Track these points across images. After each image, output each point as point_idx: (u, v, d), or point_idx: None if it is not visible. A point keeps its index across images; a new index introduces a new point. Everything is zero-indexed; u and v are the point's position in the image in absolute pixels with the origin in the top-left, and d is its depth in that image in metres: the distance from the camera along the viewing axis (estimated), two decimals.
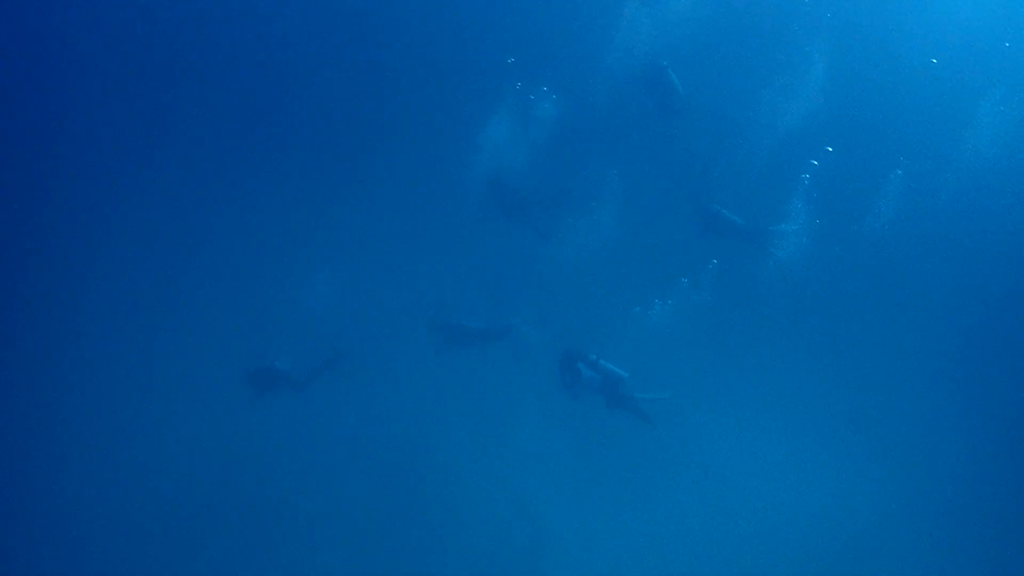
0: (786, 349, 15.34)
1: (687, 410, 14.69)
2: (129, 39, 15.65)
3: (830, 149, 15.64)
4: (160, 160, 15.67)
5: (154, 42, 15.77)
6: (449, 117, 16.18)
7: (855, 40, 16.16)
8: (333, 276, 15.22)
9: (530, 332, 14.70)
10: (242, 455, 14.64)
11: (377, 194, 16.03)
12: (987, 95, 15.88)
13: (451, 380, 15.21)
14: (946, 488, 14.40)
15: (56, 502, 14.15)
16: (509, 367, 15.02)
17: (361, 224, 15.91)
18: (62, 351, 15.18)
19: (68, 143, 15.73)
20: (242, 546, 14.15)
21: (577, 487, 14.76)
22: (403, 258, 15.85)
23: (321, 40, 16.27)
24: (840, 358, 15.42)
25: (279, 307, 15.31)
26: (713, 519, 14.52)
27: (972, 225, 15.73)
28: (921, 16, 16.23)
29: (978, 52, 16.01)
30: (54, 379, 15.05)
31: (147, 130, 15.67)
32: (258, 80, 16.14)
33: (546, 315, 15.15)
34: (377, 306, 15.62)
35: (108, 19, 15.57)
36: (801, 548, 14.11)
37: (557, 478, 14.85)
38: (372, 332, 15.48)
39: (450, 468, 14.90)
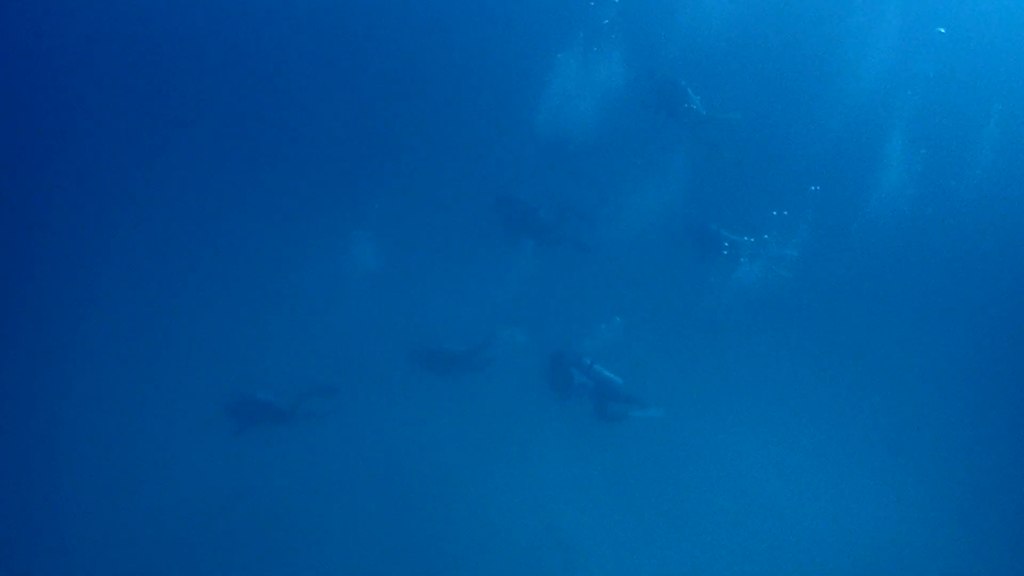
0: (790, 356, 14.89)
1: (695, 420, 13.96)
2: (127, 39, 15.47)
3: (942, 30, 14.98)
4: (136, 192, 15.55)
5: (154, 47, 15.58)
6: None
7: None
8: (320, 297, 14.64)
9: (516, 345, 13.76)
10: (233, 489, 13.85)
11: (366, 210, 15.44)
12: None
13: (445, 404, 14.40)
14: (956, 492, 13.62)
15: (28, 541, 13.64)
16: (501, 386, 14.19)
17: (346, 244, 15.31)
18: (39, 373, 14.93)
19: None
20: None
21: (600, 502, 13.75)
22: (392, 279, 15.14)
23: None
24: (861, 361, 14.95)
25: (263, 336, 14.68)
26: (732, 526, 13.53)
27: None
28: None
29: None
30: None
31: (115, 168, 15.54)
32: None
33: (536, 324, 14.24)
34: (366, 331, 14.89)
35: (109, 19, 15.37)
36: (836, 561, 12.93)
37: (579, 494, 13.86)
38: (361, 358, 14.77)
39: (462, 493, 13.89)
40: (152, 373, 14.69)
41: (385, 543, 13.46)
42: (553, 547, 13.37)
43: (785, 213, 14.47)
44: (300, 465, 13.95)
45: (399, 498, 13.78)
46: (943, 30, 15.01)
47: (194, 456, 13.87)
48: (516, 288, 15.06)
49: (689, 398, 14.09)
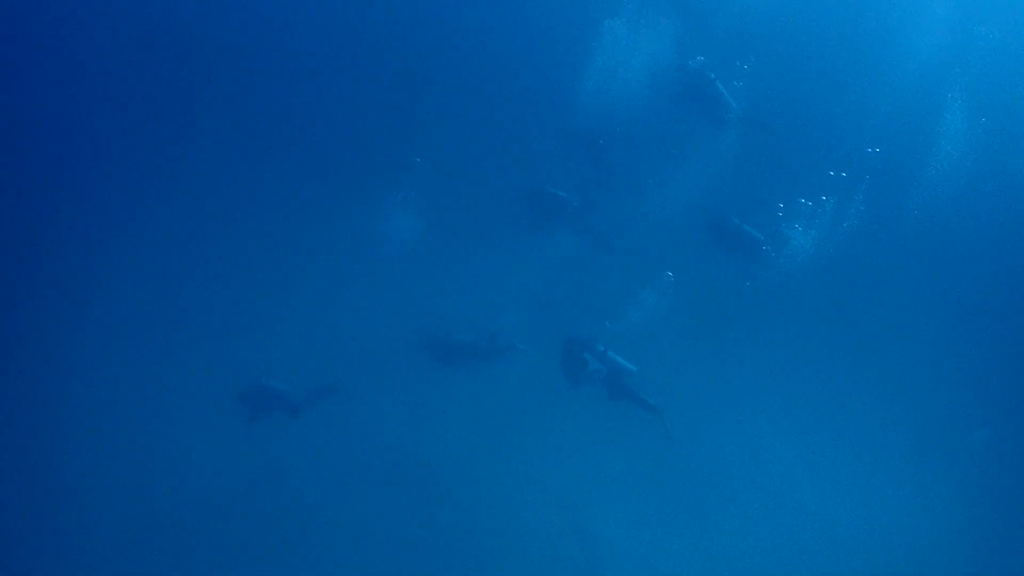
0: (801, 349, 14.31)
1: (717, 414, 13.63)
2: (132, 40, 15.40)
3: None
4: (154, 177, 15.46)
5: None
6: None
7: None
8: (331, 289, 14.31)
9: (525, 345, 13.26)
10: (245, 476, 13.68)
11: (381, 201, 15.11)
12: None
13: (458, 393, 13.99)
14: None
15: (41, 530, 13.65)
16: (512, 376, 13.81)
17: (360, 235, 15.06)
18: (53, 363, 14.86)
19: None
20: None
21: (624, 495, 13.41)
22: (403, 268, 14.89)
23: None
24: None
25: (275, 324, 14.47)
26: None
27: None
28: None
29: None
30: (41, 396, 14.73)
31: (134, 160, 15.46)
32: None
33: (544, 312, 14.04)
34: (377, 321, 14.64)
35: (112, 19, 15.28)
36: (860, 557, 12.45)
37: (601, 485, 13.51)
38: (373, 350, 14.48)
39: (474, 483, 13.51)
40: (166, 361, 14.66)
41: (400, 536, 13.11)
42: (575, 538, 12.91)
43: (844, 175, 13.69)
44: (313, 455, 13.73)
45: (412, 490, 13.48)
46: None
47: (205, 443, 13.77)
48: (531, 278, 14.74)
49: (712, 392, 13.68)
